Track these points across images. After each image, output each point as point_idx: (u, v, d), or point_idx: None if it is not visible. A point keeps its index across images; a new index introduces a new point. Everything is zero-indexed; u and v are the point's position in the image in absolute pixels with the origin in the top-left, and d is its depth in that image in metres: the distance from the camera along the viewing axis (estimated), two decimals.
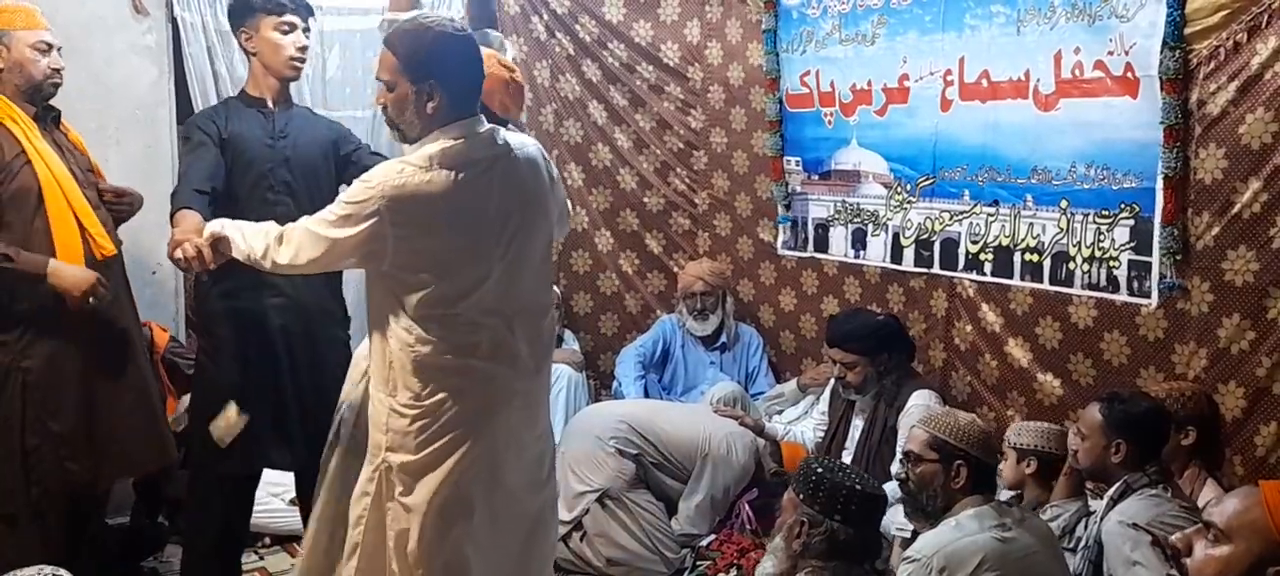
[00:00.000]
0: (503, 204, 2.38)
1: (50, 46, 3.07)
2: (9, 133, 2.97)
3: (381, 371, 2.39)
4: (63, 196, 2.97)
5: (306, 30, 3.05)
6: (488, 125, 2.40)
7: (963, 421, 2.70)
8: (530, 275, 2.47)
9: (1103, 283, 3.44)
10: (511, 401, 2.44)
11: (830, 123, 4.25)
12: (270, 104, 3.02)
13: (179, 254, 2.49)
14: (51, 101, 3.16)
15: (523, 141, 2.48)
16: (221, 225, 2.51)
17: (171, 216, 2.78)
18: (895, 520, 3.23)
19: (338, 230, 2.28)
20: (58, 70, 3.08)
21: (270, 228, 2.43)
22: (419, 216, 2.27)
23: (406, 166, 2.28)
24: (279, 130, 3.00)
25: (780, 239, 4.57)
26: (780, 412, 4.38)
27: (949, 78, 3.78)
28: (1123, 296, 3.39)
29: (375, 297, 2.41)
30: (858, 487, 2.57)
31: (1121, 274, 3.37)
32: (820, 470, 2.62)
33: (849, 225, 4.28)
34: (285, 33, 2.98)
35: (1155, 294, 3.29)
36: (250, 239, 2.44)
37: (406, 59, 2.31)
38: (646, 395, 4.49)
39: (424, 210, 2.27)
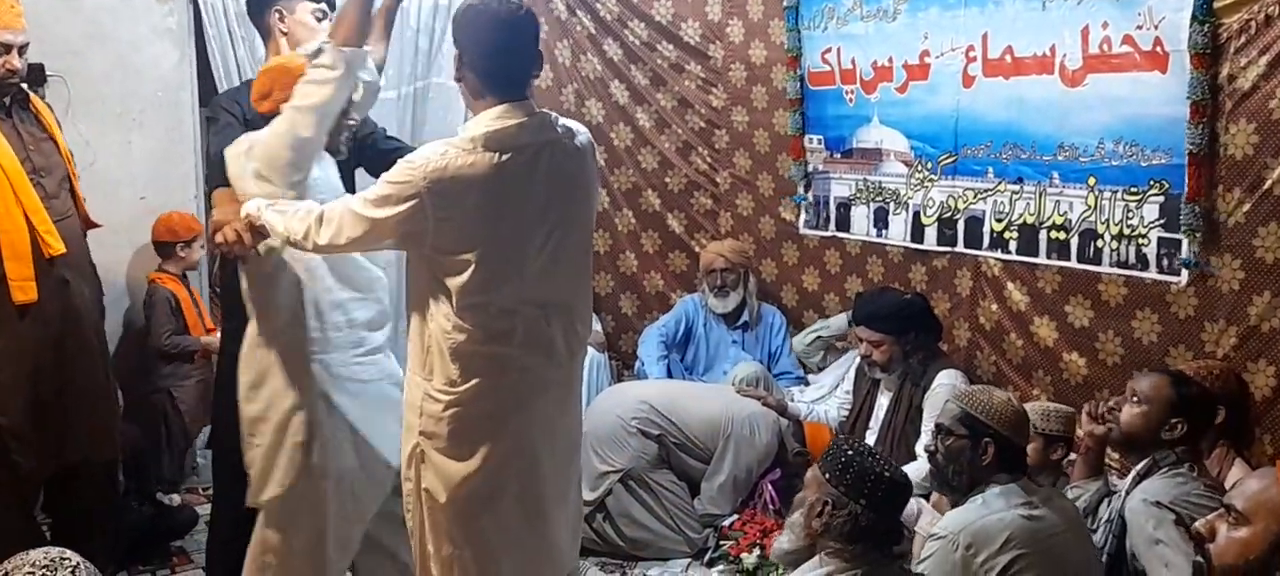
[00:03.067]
0: (547, 192, 2.35)
1: (9, 48, 3.02)
2: None
3: (419, 354, 2.39)
4: (11, 194, 2.97)
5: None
6: (540, 111, 2.38)
7: (996, 400, 2.67)
8: (569, 265, 2.45)
9: (1132, 260, 3.40)
10: (546, 392, 2.44)
11: (851, 100, 4.22)
12: None
13: (220, 238, 2.50)
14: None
15: (575, 130, 2.45)
16: (259, 207, 2.50)
17: (209, 195, 2.79)
18: (919, 513, 3.22)
19: (378, 210, 2.27)
20: (14, 71, 3.04)
21: (311, 207, 2.42)
22: (460, 199, 2.25)
23: (450, 148, 2.26)
24: None
25: (802, 218, 4.55)
26: (819, 355, 4.37)
27: (971, 54, 3.74)
28: (1152, 274, 3.36)
29: (416, 280, 2.40)
30: (886, 474, 2.54)
31: (1151, 251, 3.34)
32: (850, 452, 2.60)
33: (871, 204, 4.26)
34: (320, 18, 2.96)
35: (1185, 271, 3.26)
36: (289, 221, 2.42)
37: (453, 26, 2.37)
38: (669, 375, 4.49)
39: (465, 192, 2.24)
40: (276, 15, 2.95)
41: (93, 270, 3.34)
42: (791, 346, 4.56)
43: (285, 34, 2.96)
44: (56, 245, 3.06)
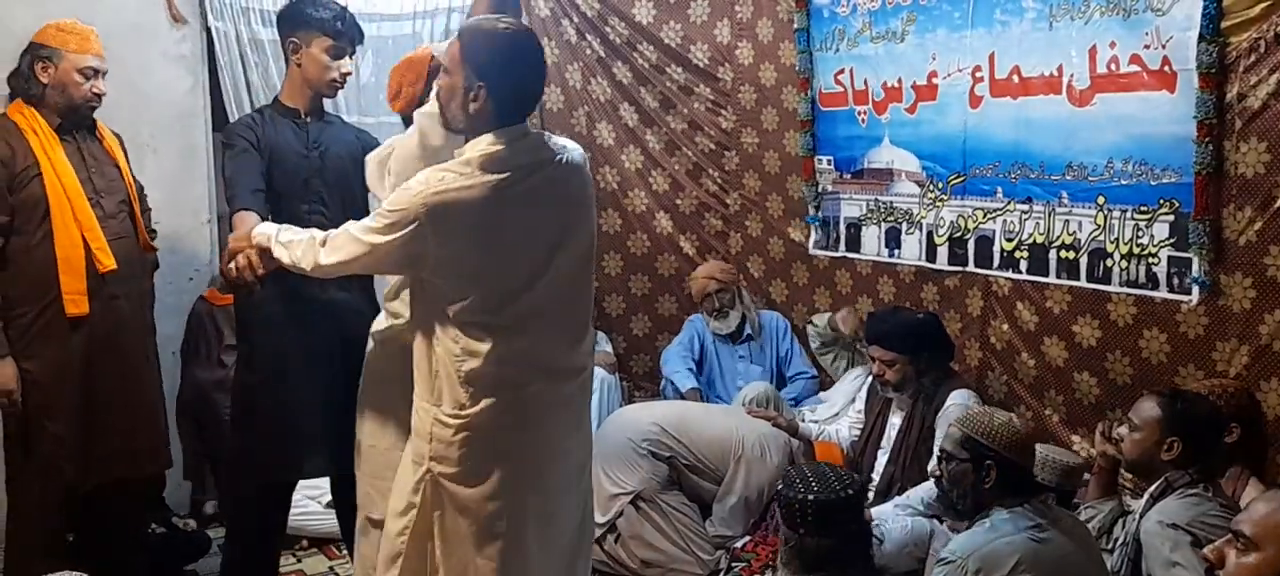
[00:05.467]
0: (545, 211, 2.37)
1: (96, 72, 3.20)
2: (27, 143, 3.10)
3: (426, 379, 2.39)
4: (69, 210, 3.11)
5: (353, 55, 3.05)
6: (534, 131, 2.40)
7: (997, 422, 2.67)
8: (571, 282, 2.45)
9: (1142, 280, 3.39)
10: (555, 412, 2.44)
11: (863, 121, 4.23)
12: (304, 115, 3.03)
13: (231, 267, 2.53)
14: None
15: (567, 146, 2.46)
16: (268, 234, 2.52)
17: (231, 218, 2.81)
18: (932, 535, 3.21)
19: (379, 236, 2.29)
20: (99, 94, 3.22)
21: (314, 233, 2.45)
22: (459, 223, 2.26)
23: (447, 173, 2.27)
24: (313, 140, 3.01)
25: (812, 239, 4.55)
26: (834, 359, 4.37)
27: (978, 74, 3.75)
28: (1162, 293, 3.34)
29: (420, 304, 2.41)
30: (810, 498, 2.54)
31: (1161, 270, 3.33)
32: (781, 486, 2.64)
33: (882, 224, 4.26)
34: (335, 56, 2.98)
35: (1196, 290, 3.24)
36: (293, 248, 2.45)
37: (468, 53, 2.32)
38: (697, 383, 4.50)
39: (464, 216, 2.25)
40: (291, 46, 2.97)
41: (148, 293, 3.44)
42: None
43: (299, 67, 2.98)
44: (108, 261, 3.17)
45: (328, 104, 3.23)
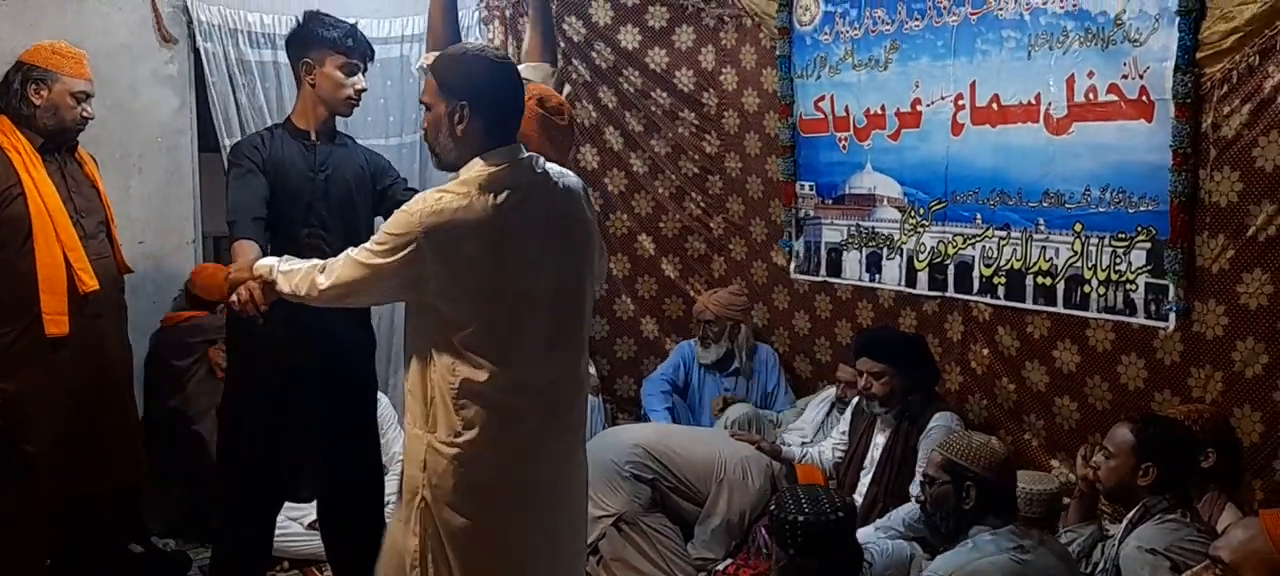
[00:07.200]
0: (547, 233, 2.34)
1: (87, 95, 3.25)
2: (9, 162, 3.10)
3: (420, 405, 2.34)
4: (52, 230, 3.12)
5: (365, 71, 3.05)
6: (527, 153, 2.38)
7: (976, 444, 2.71)
8: (572, 308, 2.44)
9: (1119, 306, 3.43)
10: (555, 440, 2.42)
11: (844, 147, 4.27)
12: (314, 136, 3.00)
13: (234, 299, 2.50)
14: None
15: (562, 172, 2.45)
16: (267, 266, 2.50)
17: (231, 246, 2.79)
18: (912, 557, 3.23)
19: (377, 259, 2.26)
20: (88, 118, 3.27)
21: (314, 262, 2.42)
22: (457, 243, 2.23)
23: (444, 194, 2.25)
24: (320, 163, 2.98)
25: (792, 264, 4.59)
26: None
27: (960, 102, 3.80)
28: (1140, 319, 3.38)
29: (416, 329, 2.37)
30: (799, 520, 2.57)
31: (1138, 297, 3.37)
32: (773, 507, 2.66)
33: (863, 249, 4.30)
34: (349, 73, 2.97)
35: (1173, 317, 3.29)
36: (293, 278, 2.42)
37: (444, 79, 2.33)
38: (674, 419, 4.50)
39: (462, 237, 2.23)
40: (304, 67, 2.96)
41: (123, 310, 3.45)
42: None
43: (313, 86, 2.97)
44: (90, 282, 3.18)
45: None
